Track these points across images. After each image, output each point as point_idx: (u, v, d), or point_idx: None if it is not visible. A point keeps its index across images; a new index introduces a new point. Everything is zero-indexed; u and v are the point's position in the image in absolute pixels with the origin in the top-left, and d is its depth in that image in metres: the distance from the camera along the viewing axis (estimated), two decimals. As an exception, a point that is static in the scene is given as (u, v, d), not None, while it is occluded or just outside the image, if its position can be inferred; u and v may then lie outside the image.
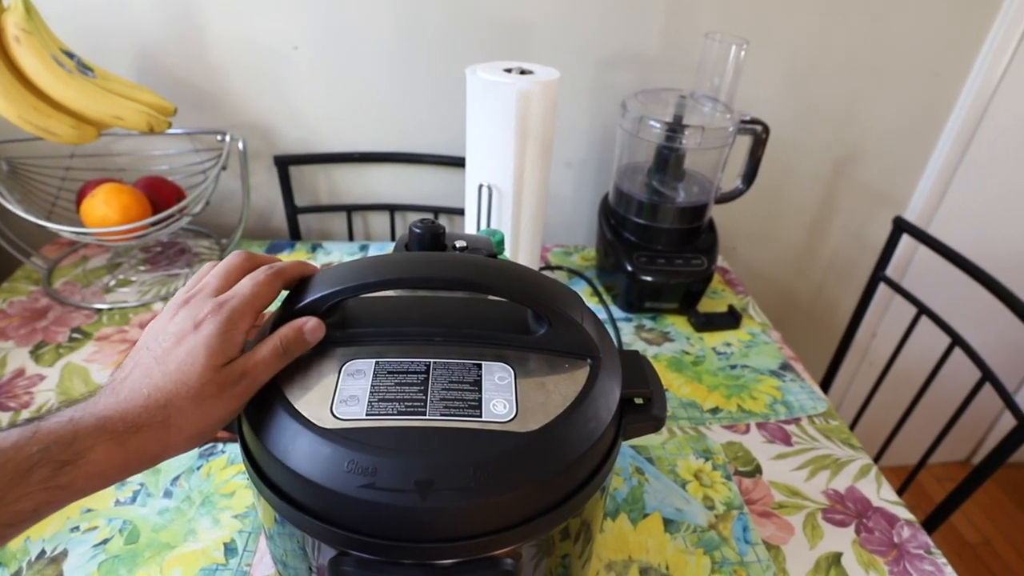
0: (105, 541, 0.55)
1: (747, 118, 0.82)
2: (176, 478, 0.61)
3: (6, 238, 0.84)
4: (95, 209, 0.79)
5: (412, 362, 0.39)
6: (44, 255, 0.91)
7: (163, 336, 0.36)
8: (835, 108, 1.06)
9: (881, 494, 0.65)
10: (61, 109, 0.74)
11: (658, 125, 0.81)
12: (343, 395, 0.36)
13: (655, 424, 0.42)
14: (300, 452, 0.33)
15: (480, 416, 0.35)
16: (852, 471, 0.67)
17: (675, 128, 0.80)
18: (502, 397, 0.37)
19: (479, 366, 0.39)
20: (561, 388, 0.38)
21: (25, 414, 0.66)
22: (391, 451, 0.33)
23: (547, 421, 0.35)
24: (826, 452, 0.69)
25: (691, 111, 0.83)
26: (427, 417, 0.35)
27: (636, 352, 0.46)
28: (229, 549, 0.55)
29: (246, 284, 0.38)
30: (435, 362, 0.39)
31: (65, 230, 0.78)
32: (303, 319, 0.38)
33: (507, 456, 0.33)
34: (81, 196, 0.84)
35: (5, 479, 0.27)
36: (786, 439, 0.71)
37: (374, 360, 0.38)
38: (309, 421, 0.34)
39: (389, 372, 0.38)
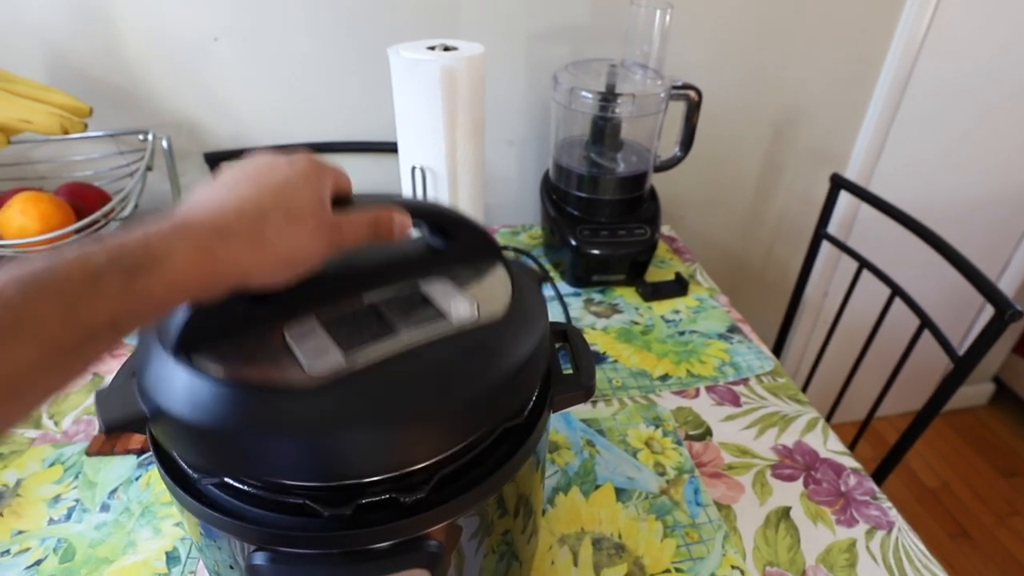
0: (38, 562, 0.52)
1: (679, 83, 0.82)
2: (114, 491, 0.59)
3: (-79, 257, 0.79)
4: (12, 220, 0.76)
5: (355, 309, 0.37)
6: (-35, 273, 0.86)
7: (248, 168, 0.32)
8: (769, 70, 1.07)
9: (828, 446, 0.66)
10: (-38, 116, 0.70)
11: (590, 95, 0.80)
12: (309, 354, 0.32)
13: (584, 393, 0.41)
14: (292, 417, 0.30)
15: (451, 320, 0.36)
16: (800, 426, 0.68)
17: (608, 97, 0.80)
18: (458, 301, 0.38)
19: (418, 290, 0.39)
20: (497, 278, 0.40)
21: (-51, 439, 0.63)
22: (412, 376, 0.32)
23: (509, 300, 0.38)
24: (774, 410, 0.70)
25: (623, 80, 0.82)
26: (406, 339, 0.34)
27: (564, 324, 0.45)
28: (171, 558, 0.53)
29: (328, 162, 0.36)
30: (378, 302, 0.37)
31: (-19, 244, 0.74)
32: (397, 211, 0.37)
33: (501, 339, 0.35)
34: (-3, 208, 0.80)
35: (73, 290, 0.24)
36: (735, 400, 0.71)
37: (313, 317, 0.35)
38: (292, 385, 0.30)
39: (340, 321, 0.35)
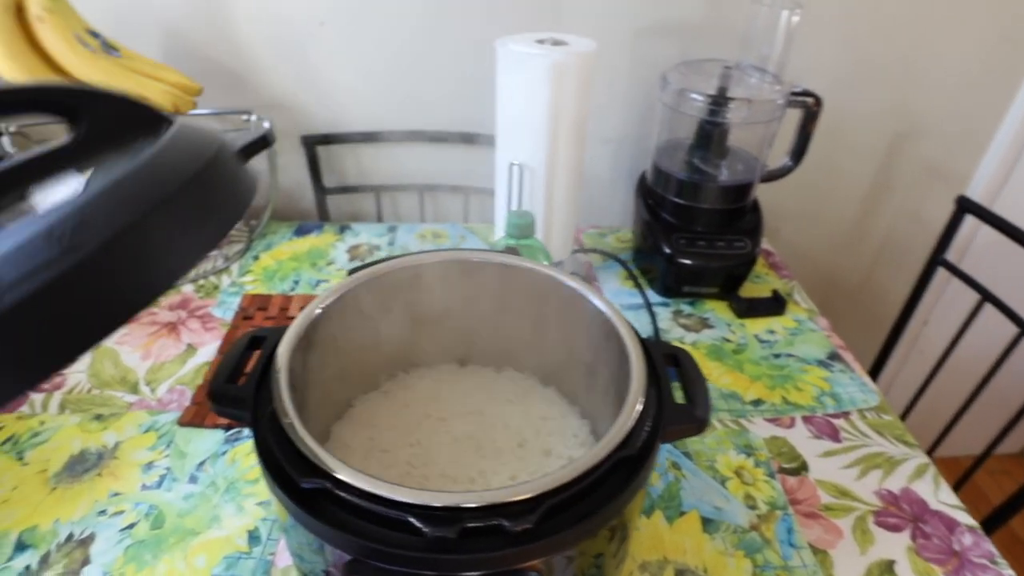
0: (131, 525, 0.54)
1: (798, 89, 0.77)
2: (202, 463, 0.60)
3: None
4: (123, 190, 0.79)
5: None
6: (77, 236, 0.91)
7: None
8: (893, 75, 0.99)
9: (939, 496, 0.60)
10: (87, 88, 0.73)
11: (701, 98, 0.76)
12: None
13: (697, 427, 0.39)
14: None
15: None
16: (907, 470, 0.63)
17: (719, 101, 0.75)
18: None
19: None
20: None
21: (57, 396, 0.66)
22: None
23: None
24: (878, 449, 0.65)
25: (737, 83, 0.78)
26: None
27: (675, 346, 0.42)
28: (253, 537, 0.54)
29: None
30: None
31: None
32: None
33: None
34: (110, 177, 0.84)
35: None
36: (834, 434, 0.67)
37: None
38: None
39: None
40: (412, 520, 0.30)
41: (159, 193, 0.24)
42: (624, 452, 0.34)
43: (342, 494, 0.31)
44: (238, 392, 0.38)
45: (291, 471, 0.33)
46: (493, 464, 0.46)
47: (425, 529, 0.30)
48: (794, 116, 0.80)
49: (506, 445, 0.48)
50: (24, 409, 0.65)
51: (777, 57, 0.75)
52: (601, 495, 0.34)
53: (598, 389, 0.47)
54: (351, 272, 0.47)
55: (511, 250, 0.52)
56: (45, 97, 0.28)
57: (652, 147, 0.86)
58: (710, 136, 0.79)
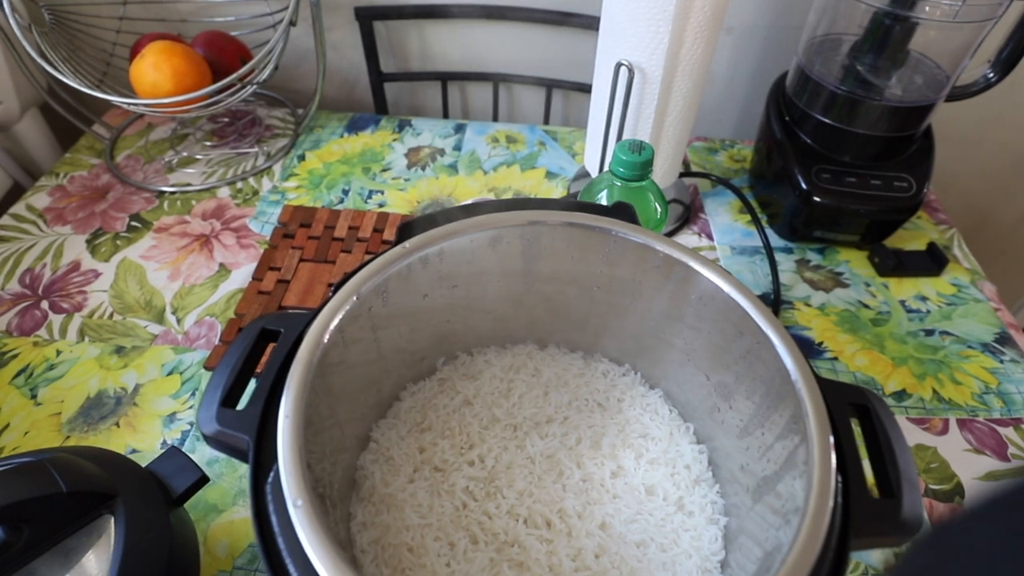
0: (150, 490, 0.47)
1: (1031, -27, 0.54)
2: (231, 418, 0.52)
3: (64, 103, 0.73)
4: (144, 75, 0.66)
5: None
6: (107, 122, 0.80)
7: None
8: None
9: None
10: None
11: (890, -18, 0.55)
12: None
13: (900, 538, 0.26)
14: None
15: None
16: (1097, 508, 0.49)
17: (917, -12, 0.54)
18: None
19: None
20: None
21: (77, 320, 0.59)
22: None
23: None
24: (1060, 476, 0.51)
25: (942, -39, 0.56)
26: None
27: (866, 392, 0.28)
28: (284, 519, 0.46)
29: None
30: None
31: (114, 100, 0.65)
32: None
33: None
34: (133, 54, 0.71)
35: None
36: (1000, 450, 0.52)
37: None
38: None
39: None
40: None
41: None
42: None
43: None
44: (236, 423, 0.27)
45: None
46: (578, 502, 0.35)
47: None
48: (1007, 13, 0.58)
49: (596, 472, 0.36)
50: (42, 333, 0.57)
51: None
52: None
53: (730, 418, 0.35)
54: (400, 233, 0.34)
55: (622, 207, 0.37)
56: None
57: (801, 44, 0.65)
58: (888, 35, 0.59)
